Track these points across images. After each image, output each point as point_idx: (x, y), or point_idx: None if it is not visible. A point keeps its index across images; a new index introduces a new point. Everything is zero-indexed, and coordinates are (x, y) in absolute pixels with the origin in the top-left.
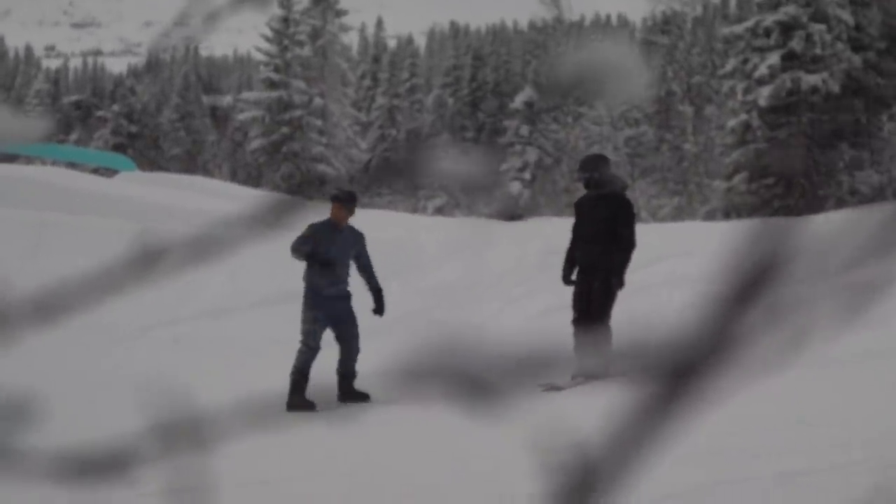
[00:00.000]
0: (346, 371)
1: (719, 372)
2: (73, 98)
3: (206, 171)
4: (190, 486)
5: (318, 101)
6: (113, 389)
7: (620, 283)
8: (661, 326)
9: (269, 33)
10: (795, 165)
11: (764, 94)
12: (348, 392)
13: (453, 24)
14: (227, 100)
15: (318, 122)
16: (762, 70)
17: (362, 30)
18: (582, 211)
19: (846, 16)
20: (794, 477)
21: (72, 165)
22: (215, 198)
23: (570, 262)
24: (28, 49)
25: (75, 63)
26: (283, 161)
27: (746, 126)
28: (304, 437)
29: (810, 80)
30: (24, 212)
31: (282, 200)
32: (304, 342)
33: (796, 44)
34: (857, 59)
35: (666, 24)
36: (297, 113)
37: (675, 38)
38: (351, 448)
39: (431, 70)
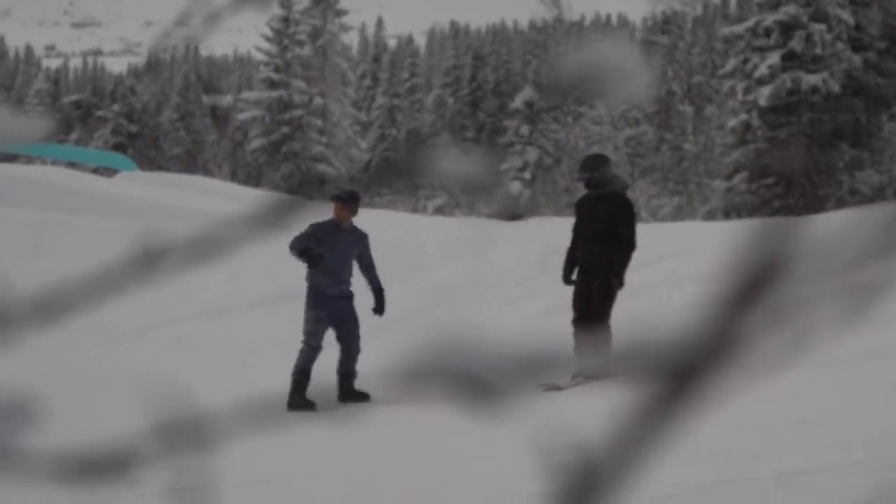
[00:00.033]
0: (347, 371)
1: (721, 372)
2: (74, 98)
3: (207, 171)
4: (191, 487)
5: (318, 100)
6: (113, 389)
7: (620, 284)
8: (661, 326)
9: (269, 33)
10: (796, 165)
11: (764, 94)
12: (348, 392)
13: (453, 24)
14: (227, 99)
15: (319, 122)
16: (762, 70)
17: (362, 29)
18: (582, 211)
19: (846, 16)
20: (794, 477)
21: (72, 165)
22: (215, 197)
23: (571, 261)
24: (28, 49)
25: (75, 63)
26: (283, 161)
27: (746, 126)
28: (305, 437)
29: (810, 79)
30: (24, 211)
31: (283, 200)
32: (307, 342)
33: (796, 44)
34: (857, 59)
35: (666, 24)
36: (298, 113)
37: (676, 38)
38: (351, 448)
39: (431, 70)
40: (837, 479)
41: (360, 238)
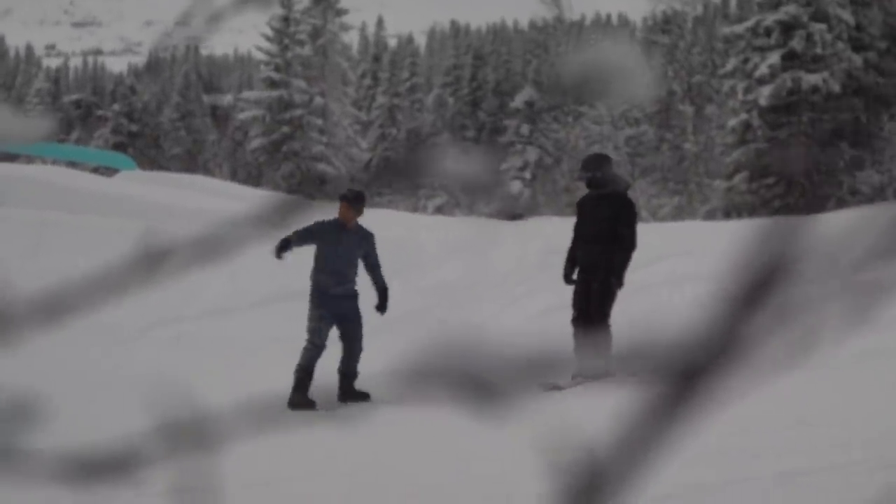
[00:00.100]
0: (348, 370)
1: (726, 373)
2: (74, 97)
3: (207, 171)
4: (193, 487)
5: (318, 100)
6: (114, 389)
7: (620, 283)
8: (661, 327)
9: (269, 32)
10: (796, 165)
11: (764, 94)
12: (349, 392)
13: (454, 24)
14: (227, 99)
15: (319, 122)
16: (763, 69)
17: (363, 29)
18: (584, 210)
19: (847, 15)
20: (795, 477)
21: (72, 164)
22: (216, 197)
23: (572, 261)
24: (29, 48)
25: (76, 62)
26: (283, 160)
27: (747, 125)
28: (307, 437)
29: (811, 79)
30: (24, 211)
31: (286, 201)
32: (310, 340)
33: (797, 43)
34: (857, 59)
35: (666, 24)
36: (298, 112)
37: (676, 38)
38: (353, 448)
39: (432, 69)
40: (837, 479)
41: (366, 237)
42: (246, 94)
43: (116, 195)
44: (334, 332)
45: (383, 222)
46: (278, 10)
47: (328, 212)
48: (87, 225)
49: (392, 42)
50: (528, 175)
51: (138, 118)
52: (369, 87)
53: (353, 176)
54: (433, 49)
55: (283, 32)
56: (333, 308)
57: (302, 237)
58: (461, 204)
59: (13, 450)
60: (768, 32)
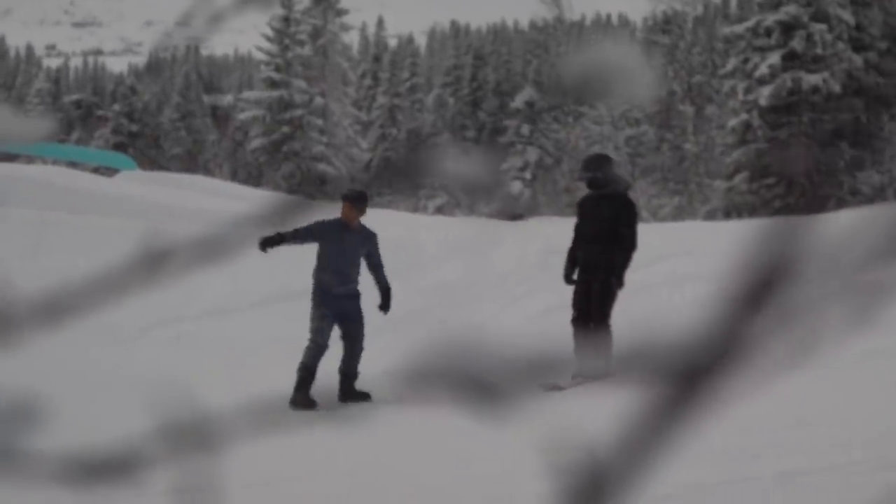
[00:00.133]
0: (349, 371)
1: (729, 374)
2: (74, 97)
3: (207, 171)
4: (194, 488)
5: (318, 100)
6: (115, 390)
7: (620, 284)
8: (665, 327)
9: (269, 33)
10: (796, 165)
11: (765, 94)
12: (349, 392)
13: (454, 24)
14: (227, 99)
15: (319, 122)
16: (763, 70)
17: (363, 29)
18: (584, 210)
19: (847, 15)
20: (794, 477)
21: (72, 165)
22: (216, 197)
23: (572, 261)
24: (29, 48)
25: (76, 62)
26: (283, 160)
27: (747, 126)
28: (308, 437)
29: (811, 79)
30: (24, 211)
31: (287, 201)
32: (313, 339)
33: (797, 43)
34: (857, 59)
35: (667, 24)
36: (298, 112)
37: (676, 38)
38: (354, 449)
39: (432, 69)
40: (837, 479)
41: (369, 237)
42: (246, 94)
43: (117, 195)
44: (336, 332)
45: (383, 222)
46: (279, 11)
47: (329, 212)
48: (88, 225)
49: (392, 42)
50: (528, 175)
51: (138, 118)
52: (369, 88)
53: (354, 176)
54: (433, 49)
55: (283, 32)
56: (335, 307)
57: (303, 236)
58: (461, 204)
59: (14, 450)
60: (768, 32)
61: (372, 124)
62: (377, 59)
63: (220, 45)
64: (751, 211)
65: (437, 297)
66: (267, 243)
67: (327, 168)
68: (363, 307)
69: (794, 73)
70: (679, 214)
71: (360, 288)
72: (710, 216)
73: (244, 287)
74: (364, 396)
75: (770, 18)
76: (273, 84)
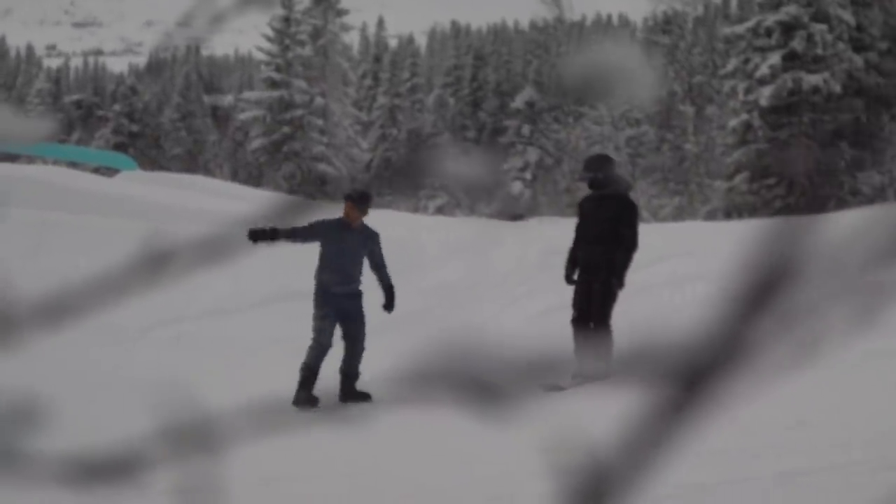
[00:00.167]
0: (350, 371)
1: (731, 375)
2: (75, 97)
3: (208, 171)
4: (196, 488)
5: (319, 100)
6: (116, 390)
7: (620, 284)
8: (666, 328)
9: (270, 33)
10: (797, 166)
11: (765, 94)
12: (350, 392)
13: (454, 24)
14: (228, 99)
15: (320, 122)
16: (763, 70)
17: (363, 29)
18: (585, 211)
19: (847, 16)
20: (794, 477)
21: (73, 165)
22: (217, 197)
23: (573, 261)
24: (29, 48)
25: (76, 62)
26: (284, 160)
27: (747, 126)
28: (308, 438)
29: (811, 80)
30: (25, 211)
31: (290, 201)
32: (316, 339)
33: (797, 44)
34: (858, 60)
35: (667, 24)
36: (299, 112)
37: (677, 38)
38: (355, 449)
39: (432, 70)
40: (837, 479)
41: (371, 237)
42: (246, 94)
43: (117, 196)
44: (336, 332)
45: (384, 223)
46: (279, 11)
47: (329, 212)
48: (88, 225)
49: (393, 42)
50: (528, 176)
51: (139, 118)
52: (370, 88)
53: (354, 176)
54: (434, 49)
55: (283, 33)
56: (337, 307)
57: (303, 235)
58: (462, 204)
59: (15, 452)
60: (769, 33)
61: (372, 124)
62: (377, 59)
63: (221, 45)
64: (751, 211)
65: (437, 297)
66: (257, 236)
67: (328, 168)
68: (364, 307)
69: (794, 73)
70: (679, 215)
71: (362, 288)
72: (711, 216)
73: (245, 287)
74: (364, 397)
75: (770, 19)
76: (273, 84)
